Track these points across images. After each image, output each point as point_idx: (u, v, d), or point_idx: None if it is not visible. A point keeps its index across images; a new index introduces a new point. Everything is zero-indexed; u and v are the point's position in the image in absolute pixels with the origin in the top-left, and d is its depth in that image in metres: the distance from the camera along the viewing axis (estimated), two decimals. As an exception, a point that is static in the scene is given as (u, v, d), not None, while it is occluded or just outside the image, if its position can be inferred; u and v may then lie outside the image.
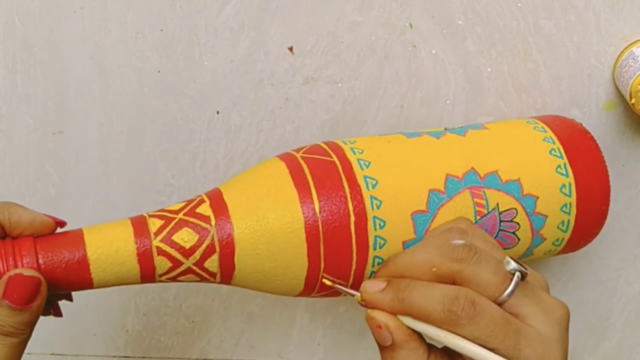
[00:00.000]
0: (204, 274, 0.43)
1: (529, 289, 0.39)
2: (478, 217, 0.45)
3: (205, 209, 0.43)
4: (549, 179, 0.47)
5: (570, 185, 0.47)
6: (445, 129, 0.49)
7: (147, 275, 0.42)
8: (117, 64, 0.54)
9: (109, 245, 0.41)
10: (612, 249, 0.60)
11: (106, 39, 0.53)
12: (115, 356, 0.63)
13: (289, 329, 0.62)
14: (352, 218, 0.43)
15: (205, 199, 0.44)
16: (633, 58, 0.52)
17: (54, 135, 0.56)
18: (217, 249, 0.42)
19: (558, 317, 0.39)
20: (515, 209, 0.46)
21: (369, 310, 0.41)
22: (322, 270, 0.43)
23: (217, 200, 0.44)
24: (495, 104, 0.55)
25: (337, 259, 0.43)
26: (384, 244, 0.44)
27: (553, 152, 0.47)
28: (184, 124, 0.56)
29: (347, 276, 0.44)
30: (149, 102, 0.55)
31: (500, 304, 0.39)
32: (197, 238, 0.42)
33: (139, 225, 0.42)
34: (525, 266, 0.40)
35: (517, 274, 0.39)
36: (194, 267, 0.43)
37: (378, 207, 0.43)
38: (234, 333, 0.62)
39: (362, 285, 0.41)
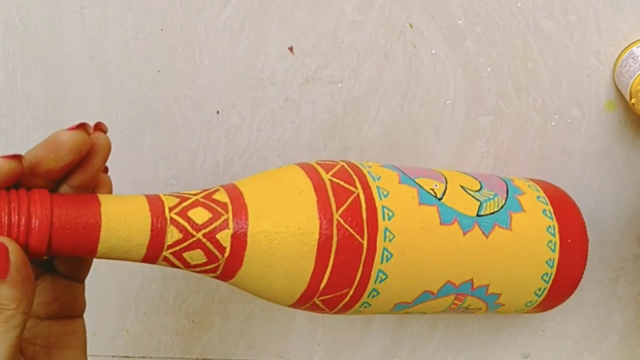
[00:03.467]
0: (212, 248, 0.42)
1: None
2: (449, 309, 0.49)
3: (222, 196, 0.43)
4: (525, 296, 0.50)
5: (538, 300, 0.50)
6: (479, 206, 0.48)
7: (156, 244, 0.40)
8: (117, 64, 0.54)
9: (123, 209, 0.40)
10: (612, 249, 0.60)
11: (106, 39, 0.53)
12: (115, 356, 0.63)
13: (289, 329, 0.62)
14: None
15: (220, 189, 0.44)
16: (633, 58, 0.52)
17: (54, 135, 0.56)
18: (231, 225, 0.42)
19: None
20: (481, 308, 0.49)
21: None
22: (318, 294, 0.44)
23: (233, 191, 0.43)
24: (495, 104, 0.55)
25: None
26: (384, 279, 0.45)
27: (544, 277, 0.50)
28: (184, 124, 0.56)
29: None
30: (149, 102, 0.55)
31: None
32: (210, 216, 0.42)
33: (154, 199, 0.41)
34: None
35: None
36: (204, 239, 0.41)
37: (391, 240, 0.45)
38: (234, 333, 0.62)
39: None
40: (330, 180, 0.45)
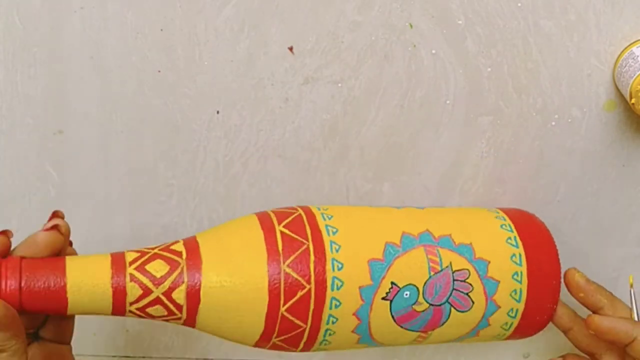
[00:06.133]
0: (170, 305, 0.45)
1: None
2: (432, 273, 0.48)
3: (179, 246, 0.46)
4: (499, 247, 0.51)
5: (520, 255, 0.51)
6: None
7: (119, 302, 0.44)
8: (117, 64, 0.54)
9: (87, 271, 0.44)
10: (612, 249, 0.60)
11: (106, 39, 0.53)
12: (115, 356, 0.63)
13: (289, 329, 0.62)
14: (313, 284, 0.46)
15: (180, 241, 0.47)
16: (633, 58, 0.52)
17: (54, 135, 0.56)
18: (185, 279, 0.45)
19: None
20: (468, 270, 0.49)
21: None
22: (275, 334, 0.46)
23: (191, 243, 0.47)
24: (495, 104, 0.55)
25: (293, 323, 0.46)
26: (339, 305, 0.46)
27: (504, 226, 0.52)
28: (184, 124, 0.56)
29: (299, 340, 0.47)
30: (149, 102, 0.55)
31: None
32: (167, 269, 0.45)
33: (117, 256, 0.45)
34: None
35: None
36: (162, 297, 0.45)
37: (340, 269, 0.47)
38: (234, 333, 0.62)
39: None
40: (281, 232, 0.47)
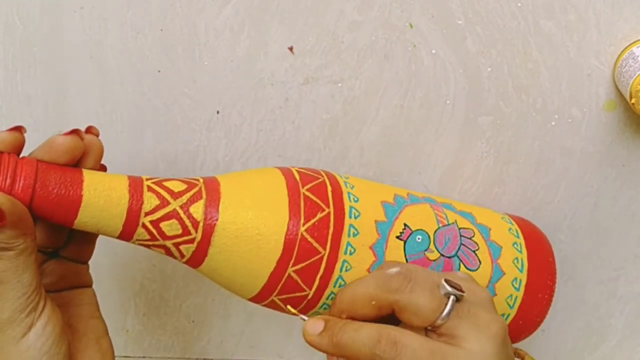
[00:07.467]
0: (187, 221, 0.43)
1: (464, 310, 0.42)
2: (440, 225, 0.49)
3: (195, 177, 0.46)
4: (497, 220, 0.52)
5: (517, 230, 0.52)
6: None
7: (134, 210, 0.42)
8: (117, 64, 0.54)
9: (104, 176, 0.43)
10: (612, 249, 0.60)
11: (106, 39, 0.53)
12: (115, 356, 0.63)
13: (289, 329, 0.62)
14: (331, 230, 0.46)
15: (199, 178, 0.46)
16: (633, 58, 0.52)
17: (54, 135, 0.56)
18: (204, 195, 0.44)
19: (493, 332, 0.42)
20: (473, 230, 0.50)
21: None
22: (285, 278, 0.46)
23: (209, 177, 0.46)
24: (495, 104, 0.55)
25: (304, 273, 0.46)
26: (357, 234, 0.46)
27: (496, 212, 0.54)
28: (184, 124, 0.56)
29: (311, 283, 0.46)
30: (149, 102, 0.55)
31: (437, 327, 0.41)
32: (185, 187, 0.44)
33: (134, 177, 0.44)
34: (461, 286, 0.42)
35: (452, 297, 0.42)
36: (179, 210, 0.43)
37: (356, 201, 0.47)
38: (234, 333, 0.62)
39: (303, 326, 0.45)
40: (297, 170, 0.47)
